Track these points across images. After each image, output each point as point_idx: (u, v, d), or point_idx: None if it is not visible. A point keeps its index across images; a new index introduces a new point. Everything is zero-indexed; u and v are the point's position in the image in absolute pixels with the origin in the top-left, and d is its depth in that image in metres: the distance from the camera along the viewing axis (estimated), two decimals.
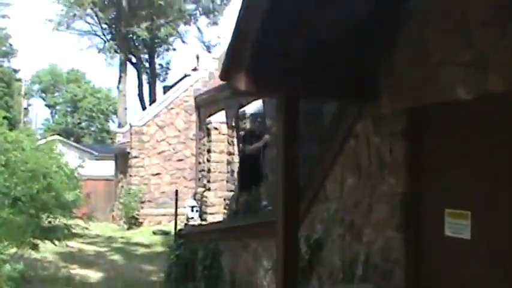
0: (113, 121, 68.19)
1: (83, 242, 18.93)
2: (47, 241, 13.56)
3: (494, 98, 4.54)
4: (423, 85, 5.17)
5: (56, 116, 69.45)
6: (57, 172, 13.39)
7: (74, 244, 16.86)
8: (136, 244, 20.73)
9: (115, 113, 65.16)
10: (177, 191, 18.42)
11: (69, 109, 68.20)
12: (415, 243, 5.42)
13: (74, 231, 15.00)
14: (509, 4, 4.31)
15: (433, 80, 5.04)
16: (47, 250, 15.38)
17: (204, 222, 21.37)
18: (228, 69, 5.23)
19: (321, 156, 7.02)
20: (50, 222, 13.68)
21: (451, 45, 4.86)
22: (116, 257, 18.25)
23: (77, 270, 15.13)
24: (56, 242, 13.83)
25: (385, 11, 5.31)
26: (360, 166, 6.18)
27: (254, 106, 18.65)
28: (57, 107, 69.39)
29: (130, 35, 39.04)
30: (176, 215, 17.18)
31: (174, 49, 43.04)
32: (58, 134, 37.48)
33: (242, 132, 19.22)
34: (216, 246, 10.71)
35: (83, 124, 67.83)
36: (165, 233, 22.45)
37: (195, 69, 27.07)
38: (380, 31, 5.45)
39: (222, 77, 5.34)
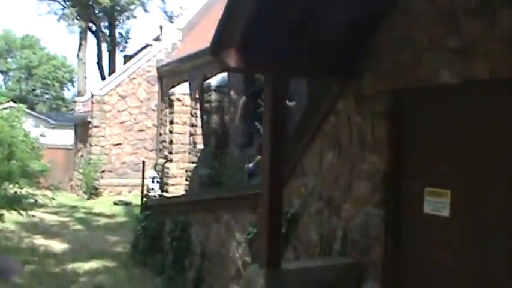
0: (68, 89, 67.12)
1: (44, 212, 18.78)
2: (12, 211, 13.41)
3: (478, 84, 4.73)
4: (408, 68, 5.33)
5: (9, 83, 67.96)
6: (24, 141, 13.22)
7: (36, 214, 16.72)
8: (98, 214, 20.69)
9: (71, 81, 64.01)
10: (144, 162, 18.46)
11: (23, 76, 66.79)
12: (394, 220, 5.62)
13: (39, 201, 14.86)
14: None
15: (419, 63, 5.20)
16: (9, 220, 15.23)
17: (165, 194, 21.45)
18: (219, 45, 5.29)
19: (300, 131, 7.16)
20: (15, 192, 13.52)
21: (437, 31, 5.02)
22: (79, 227, 18.20)
23: (40, 241, 15.01)
24: (22, 212, 13.68)
25: None
26: (340, 143, 6.34)
27: (218, 78, 18.69)
28: (11, 73, 67.87)
29: (91, 2, 38.35)
30: (143, 185, 17.23)
31: (135, 16, 42.48)
32: (12, 101, 36.66)
33: (207, 104, 19.26)
34: (186, 218, 10.82)
35: (38, 91, 66.57)
36: (126, 204, 22.47)
37: (157, 39, 26.85)
38: (367, 13, 5.56)
39: (211, 52, 5.40)
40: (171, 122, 22.74)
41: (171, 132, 22.76)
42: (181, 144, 22.29)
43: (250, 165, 13.24)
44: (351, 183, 6.13)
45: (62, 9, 40.42)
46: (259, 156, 11.73)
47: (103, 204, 22.98)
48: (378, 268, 5.69)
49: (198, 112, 21.31)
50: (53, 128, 36.32)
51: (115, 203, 23.10)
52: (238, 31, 5.13)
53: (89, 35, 40.41)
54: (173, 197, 16.85)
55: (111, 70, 37.33)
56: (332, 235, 6.39)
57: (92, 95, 25.59)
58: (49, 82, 65.16)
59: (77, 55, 39.81)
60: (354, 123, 6.10)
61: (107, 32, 42.11)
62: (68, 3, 39.94)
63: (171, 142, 22.70)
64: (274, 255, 5.62)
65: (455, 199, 5.00)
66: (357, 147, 6.04)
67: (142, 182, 17.32)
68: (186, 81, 22.26)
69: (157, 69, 25.48)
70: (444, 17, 4.96)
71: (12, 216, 14.73)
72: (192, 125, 21.78)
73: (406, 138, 5.58)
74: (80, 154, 27.85)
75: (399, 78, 5.46)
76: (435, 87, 5.13)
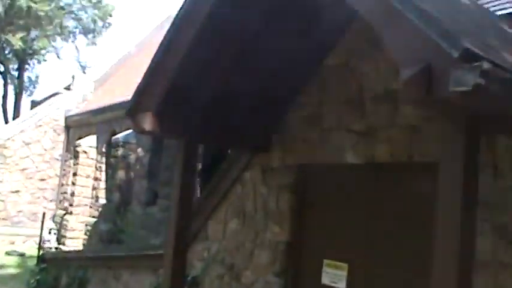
0: None
1: None
2: None
3: (378, 167, 5.10)
4: (315, 145, 5.67)
5: None
6: None
7: None
8: None
9: None
10: (44, 213, 17.93)
11: None
12: None
13: None
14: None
15: (325, 142, 5.55)
16: None
17: (61, 246, 20.84)
18: (135, 108, 5.45)
19: (205, 198, 7.32)
20: None
21: (345, 113, 5.40)
22: None
23: None
24: None
25: (289, 73, 5.76)
26: (245, 212, 6.56)
27: (126, 134, 18.64)
28: None
29: (2, 42, 37.48)
30: (41, 236, 16.70)
31: (45, 60, 41.65)
32: None
33: (113, 159, 19.11)
34: (85, 274, 10.61)
35: None
36: (21, 255, 21.59)
37: (68, 88, 26.52)
38: (280, 91, 5.90)
39: (128, 114, 5.54)
40: (75, 174, 22.28)
41: (73, 184, 22.26)
42: (83, 197, 21.81)
43: None
44: (253, 251, 6.33)
45: None
46: None
47: None
48: None
49: (103, 166, 21.04)
50: None
51: (8, 253, 22.14)
52: (156, 97, 5.31)
53: None
54: (72, 251, 16.42)
55: (16, 114, 36.29)
56: None
57: None
58: None
59: None
60: (259, 193, 6.35)
61: (15, 74, 41.12)
62: None
63: (72, 194, 22.17)
64: None
65: (351, 272, 5.29)
66: (261, 217, 6.27)
67: (41, 232, 16.80)
68: (94, 134, 22.02)
69: (66, 118, 25.06)
70: (352, 101, 5.35)
71: None
72: (96, 179, 21.43)
73: (309, 212, 5.87)
74: None
75: (306, 155, 5.78)
76: (339, 166, 5.47)
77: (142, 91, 5.43)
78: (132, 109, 5.52)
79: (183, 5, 5.10)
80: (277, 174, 6.12)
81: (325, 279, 5.52)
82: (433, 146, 4.23)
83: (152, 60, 5.33)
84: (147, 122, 5.39)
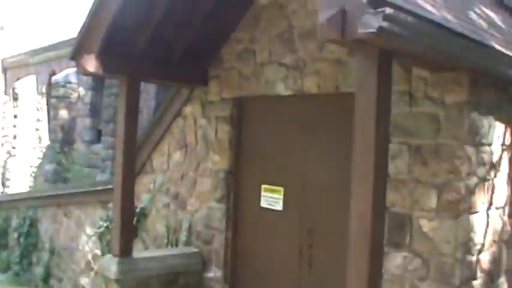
0: None
1: None
2: None
3: (307, 97, 5.53)
4: (249, 79, 6.06)
5: None
6: None
7: None
8: None
9: None
10: None
11: None
12: (234, 213, 6.35)
13: None
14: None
15: (258, 76, 5.94)
16: None
17: (7, 190, 20.90)
18: (79, 50, 5.69)
19: (149, 132, 7.65)
20: None
21: (276, 48, 5.78)
22: None
23: None
24: None
25: (223, 10, 6.07)
26: (187, 144, 6.95)
27: (67, 73, 18.55)
28: None
29: None
30: None
31: None
32: None
33: (54, 100, 19.05)
34: (35, 214, 10.90)
35: None
36: None
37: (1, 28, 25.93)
38: (215, 28, 6.21)
39: (72, 57, 5.76)
40: (15, 116, 22.12)
41: (14, 126, 22.15)
42: (26, 139, 21.77)
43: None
44: (196, 180, 6.76)
45: None
46: None
47: None
48: (219, 256, 6.37)
49: (45, 107, 20.95)
50: None
51: None
52: (99, 38, 5.55)
53: None
54: (20, 192, 16.56)
55: None
56: (178, 227, 6.98)
57: None
58: None
59: None
60: (200, 125, 6.73)
61: None
62: None
63: (14, 137, 22.09)
64: (126, 245, 6.12)
65: (286, 194, 5.78)
66: (202, 148, 6.68)
67: None
68: (33, 74, 21.78)
69: (1, 60, 24.63)
70: (283, 36, 5.73)
71: None
72: (38, 120, 21.36)
73: (246, 141, 6.30)
74: None
75: (241, 88, 6.17)
76: (272, 98, 5.88)
77: (84, 33, 5.64)
78: (75, 51, 5.74)
79: None
80: (215, 107, 6.50)
81: (263, 203, 6.00)
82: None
83: (93, 3, 5.53)
84: (91, 64, 5.66)
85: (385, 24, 3.04)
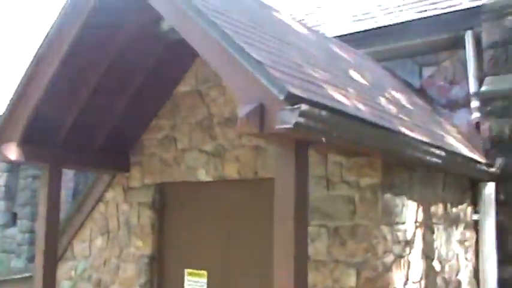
0: None
1: None
2: None
3: (227, 183, 5.75)
4: (171, 165, 6.24)
5: None
6: None
7: None
8: None
9: None
10: None
11: None
12: None
13: None
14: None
15: (180, 162, 6.14)
16: None
17: None
18: (0, 137, 5.69)
19: (70, 218, 7.60)
20: None
21: (196, 135, 6.01)
22: None
23: None
24: None
25: (144, 99, 6.27)
26: (109, 229, 6.96)
27: None
28: None
29: None
30: None
31: None
32: None
33: None
34: None
35: None
36: None
37: None
38: (136, 114, 6.39)
39: None
40: None
41: None
42: None
43: None
44: (119, 266, 6.75)
45: None
46: None
47: None
48: None
49: None
50: None
51: None
52: (21, 126, 5.59)
53: None
54: None
55: None
56: None
57: None
58: None
59: None
60: (122, 211, 6.79)
61: None
62: None
63: None
64: None
65: (210, 278, 5.89)
66: (125, 234, 6.72)
67: None
68: None
69: None
70: (202, 124, 5.98)
71: None
72: None
73: (169, 226, 6.41)
74: None
75: (163, 174, 6.33)
76: (193, 184, 6.06)
77: (6, 122, 5.67)
78: None
79: (45, 37, 5.42)
80: (137, 193, 6.60)
81: (187, 287, 6.08)
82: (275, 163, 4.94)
83: (15, 91, 5.59)
84: (12, 152, 5.63)
85: (301, 120, 3.31)
